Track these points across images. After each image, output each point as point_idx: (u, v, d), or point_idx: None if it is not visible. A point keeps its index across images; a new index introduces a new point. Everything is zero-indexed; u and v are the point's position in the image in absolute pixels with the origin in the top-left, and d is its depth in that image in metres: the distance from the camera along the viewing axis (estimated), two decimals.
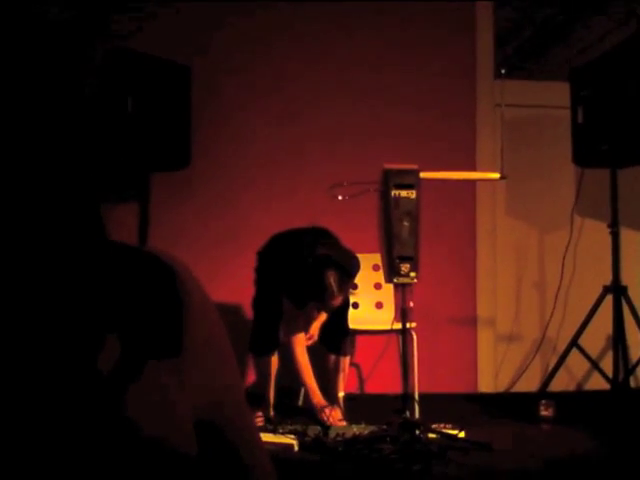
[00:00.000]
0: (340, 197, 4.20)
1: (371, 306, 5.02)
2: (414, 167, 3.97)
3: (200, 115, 5.03)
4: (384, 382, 5.07)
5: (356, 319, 4.71)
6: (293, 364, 4.40)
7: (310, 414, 4.45)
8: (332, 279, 4.00)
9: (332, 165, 5.12)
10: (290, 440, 3.82)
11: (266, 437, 3.84)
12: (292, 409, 4.65)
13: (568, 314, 5.25)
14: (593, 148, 4.83)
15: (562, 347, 4.98)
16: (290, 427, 4.09)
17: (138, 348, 0.78)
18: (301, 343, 4.40)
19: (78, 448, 0.74)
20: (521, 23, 5.76)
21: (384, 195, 3.95)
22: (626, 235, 5.15)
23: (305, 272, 4.06)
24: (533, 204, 5.68)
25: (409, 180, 3.93)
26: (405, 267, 3.93)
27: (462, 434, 3.95)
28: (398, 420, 3.90)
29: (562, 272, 5.09)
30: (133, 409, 0.77)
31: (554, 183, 5.62)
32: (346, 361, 4.53)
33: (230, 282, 5.33)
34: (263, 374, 4.44)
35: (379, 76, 5.50)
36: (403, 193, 3.92)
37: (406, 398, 4.03)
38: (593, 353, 5.08)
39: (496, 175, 4.16)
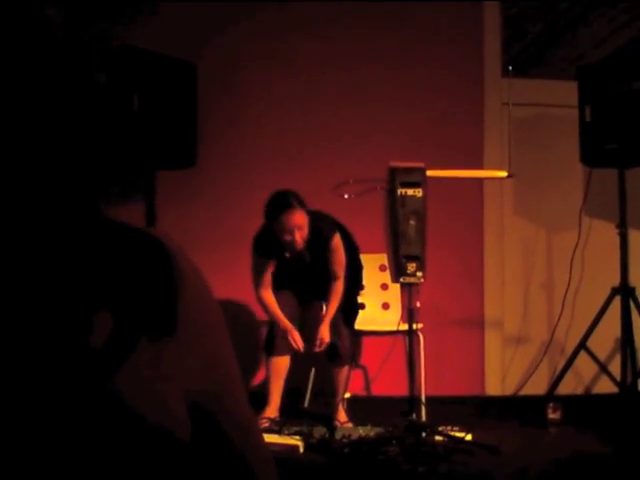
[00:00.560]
0: (346, 195, 4.17)
1: (377, 307, 4.99)
2: (421, 165, 3.94)
3: (207, 113, 5.00)
4: (390, 384, 5.04)
5: (362, 320, 4.68)
6: (263, 306, 4.44)
7: (316, 416, 4.42)
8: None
9: (339, 163, 5.09)
10: (295, 441, 3.80)
11: (271, 438, 3.82)
12: (298, 410, 4.62)
13: (576, 316, 5.21)
14: (601, 147, 4.79)
15: (570, 349, 4.94)
16: (295, 428, 4.06)
17: (131, 326, 0.76)
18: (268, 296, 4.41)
19: (70, 426, 0.73)
20: (529, 21, 5.72)
21: (390, 193, 3.93)
22: (634, 236, 5.11)
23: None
24: (541, 204, 5.64)
25: (416, 178, 3.90)
26: (412, 266, 3.90)
27: (469, 437, 3.91)
28: (404, 422, 3.88)
29: (570, 273, 5.05)
30: (125, 389, 0.75)
31: (562, 183, 5.58)
32: (343, 371, 4.42)
33: (237, 282, 5.30)
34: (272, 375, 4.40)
35: (386, 74, 5.48)
36: (410, 191, 3.89)
37: (412, 400, 4.01)
38: (601, 356, 5.04)
39: (503, 173, 4.13)
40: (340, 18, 5.47)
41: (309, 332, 4.36)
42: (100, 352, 0.74)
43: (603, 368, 4.95)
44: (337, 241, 4.29)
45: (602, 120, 4.77)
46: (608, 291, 4.79)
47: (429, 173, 3.92)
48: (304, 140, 5.30)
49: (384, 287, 4.96)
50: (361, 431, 4.01)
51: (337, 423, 4.26)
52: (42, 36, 0.79)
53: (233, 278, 5.31)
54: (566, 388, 5.02)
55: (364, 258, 4.79)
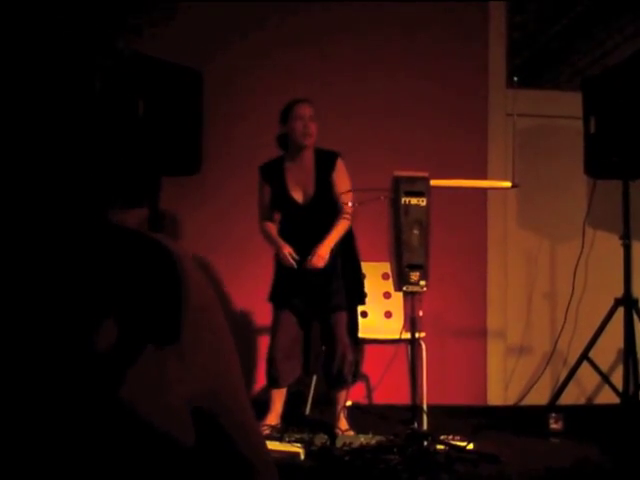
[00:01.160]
0: (350, 204, 4.18)
1: (380, 315, 5.00)
2: (425, 174, 3.95)
3: (212, 120, 5.02)
4: (392, 392, 5.04)
5: (365, 328, 4.68)
6: (263, 234, 4.49)
7: (317, 424, 4.42)
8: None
9: None
10: (296, 449, 3.80)
11: (272, 445, 3.81)
12: (299, 417, 4.62)
13: (579, 327, 5.21)
14: (605, 159, 4.80)
15: (573, 360, 4.95)
16: (297, 436, 4.06)
17: (136, 333, 0.77)
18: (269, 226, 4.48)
19: (76, 431, 0.74)
20: (534, 32, 5.74)
21: (394, 202, 3.93)
22: (638, 247, 5.11)
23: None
24: (544, 215, 5.65)
25: (419, 187, 3.91)
26: (415, 275, 3.90)
27: (470, 446, 3.91)
28: (406, 431, 3.87)
29: (573, 284, 5.05)
30: (130, 394, 0.76)
31: (566, 194, 5.59)
32: (341, 395, 4.40)
33: (243, 288, 5.32)
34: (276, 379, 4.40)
35: (390, 84, 5.50)
36: (413, 200, 3.89)
37: (414, 409, 4.00)
38: (604, 366, 5.04)
39: (507, 183, 4.13)
40: (342, 28, 5.50)
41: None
42: (106, 358, 0.75)
43: (605, 379, 4.94)
44: (341, 163, 4.39)
45: (606, 132, 4.78)
46: (611, 302, 4.80)
47: (433, 183, 3.92)
48: None
49: (387, 295, 4.97)
50: (362, 439, 4.01)
51: (338, 431, 4.26)
52: (48, 41, 0.80)
53: (238, 283, 5.32)
54: (568, 398, 5.02)
55: (367, 266, 4.80)
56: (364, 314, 4.91)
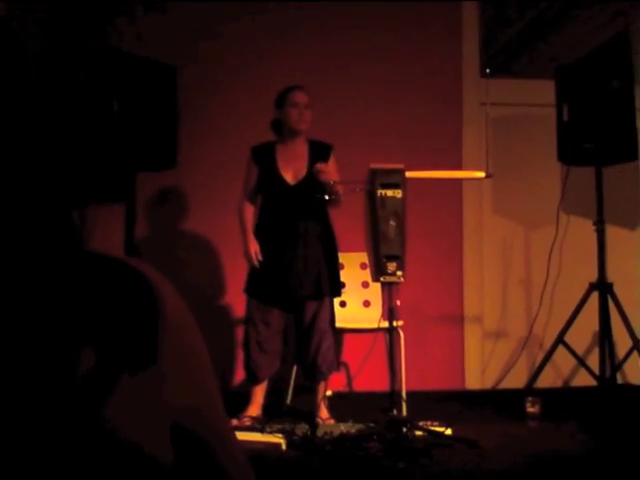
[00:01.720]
0: (327, 197, 4.21)
1: (359, 304, 5.04)
2: (400, 166, 3.98)
3: (187, 115, 5.03)
4: (372, 380, 5.09)
5: (343, 317, 4.72)
6: (239, 216, 4.47)
7: (298, 413, 4.46)
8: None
9: None
10: (278, 439, 3.83)
11: (254, 436, 3.85)
12: (280, 408, 4.66)
13: (554, 311, 5.28)
14: (578, 146, 4.86)
15: (548, 344, 5.02)
16: (278, 426, 4.10)
17: (113, 360, 0.79)
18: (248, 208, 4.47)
19: (57, 451, 0.76)
20: (506, 21, 5.77)
21: (370, 195, 3.96)
22: (611, 232, 5.19)
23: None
24: (519, 202, 5.71)
25: (395, 179, 3.94)
26: (392, 266, 3.94)
27: (449, 431, 3.97)
28: (385, 418, 3.92)
29: (548, 269, 5.12)
30: (110, 415, 0.78)
31: (540, 181, 5.65)
32: (321, 385, 4.43)
33: (217, 280, 5.34)
34: (255, 373, 4.43)
35: (364, 75, 5.52)
36: (389, 192, 3.93)
37: (393, 396, 4.04)
38: (579, 350, 5.12)
39: (481, 174, 4.17)
40: (318, 20, 5.51)
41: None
42: (84, 385, 0.76)
43: (581, 362, 5.02)
44: (333, 156, 4.43)
45: (579, 119, 4.84)
46: (585, 286, 4.87)
47: (408, 174, 3.96)
48: None
49: (365, 285, 5.01)
50: (343, 428, 4.05)
51: (319, 420, 4.31)
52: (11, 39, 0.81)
53: (213, 276, 5.35)
54: (545, 381, 5.11)
55: (345, 256, 4.84)
56: (343, 304, 4.95)
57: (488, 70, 4.53)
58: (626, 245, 5.62)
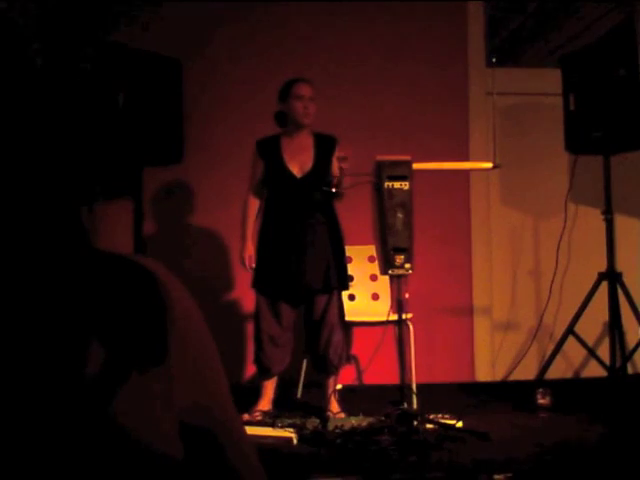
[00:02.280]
0: (333, 190, 4.19)
1: (367, 298, 5.03)
2: (407, 158, 3.97)
3: (193, 110, 5.02)
4: (382, 373, 5.08)
5: (352, 311, 4.71)
6: (243, 209, 4.47)
7: (309, 407, 4.46)
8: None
9: None
10: (289, 434, 3.83)
11: (265, 431, 3.85)
12: (291, 402, 4.66)
13: (564, 301, 5.26)
14: (585, 135, 4.83)
15: (558, 334, 4.99)
16: (289, 420, 4.09)
17: (122, 358, 0.78)
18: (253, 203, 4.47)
19: (66, 448, 0.75)
20: (512, 10, 5.74)
21: (377, 187, 3.95)
22: (620, 221, 5.16)
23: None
24: (527, 192, 5.69)
25: (402, 171, 3.93)
26: (400, 258, 3.93)
27: (460, 424, 3.96)
28: (396, 411, 3.91)
29: (557, 259, 5.09)
30: (119, 413, 0.77)
31: (547, 170, 5.63)
32: (331, 379, 4.43)
33: (226, 276, 5.34)
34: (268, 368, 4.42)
35: (370, 67, 5.50)
36: (396, 184, 3.92)
37: (403, 389, 4.04)
38: (589, 340, 5.09)
39: (488, 164, 4.15)
40: (322, 12, 5.49)
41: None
42: (93, 383, 0.76)
43: (591, 352, 5.00)
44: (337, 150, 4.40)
45: (586, 108, 4.80)
46: (595, 276, 4.84)
47: (415, 166, 3.94)
48: None
49: (373, 278, 5.00)
50: (353, 421, 4.04)
51: (330, 414, 4.30)
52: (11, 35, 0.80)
53: (221, 271, 5.34)
54: (555, 372, 5.08)
55: (353, 249, 4.83)
56: (351, 297, 4.94)
57: (494, 59, 4.50)
58: (635, 234, 5.59)
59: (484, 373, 5.54)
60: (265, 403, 4.40)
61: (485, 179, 5.55)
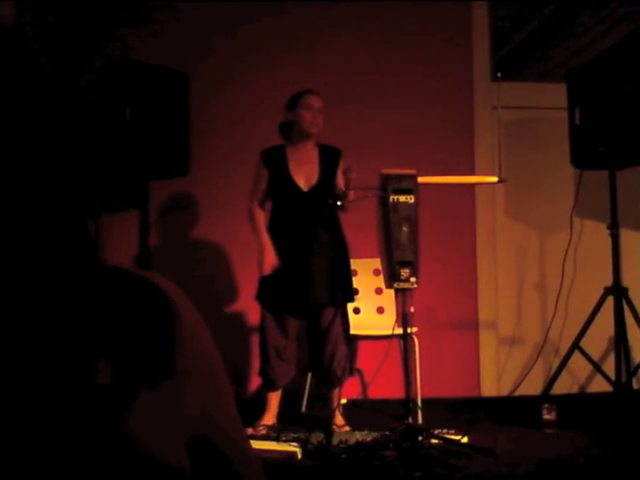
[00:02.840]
0: (339, 202, 4.19)
1: (372, 311, 5.02)
2: (412, 172, 3.96)
3: (199, 122, 5.03)
4: (387, 387, 5.06)
5: (357, 324, 4.70)
6: (250, 219, 4.44)
7: (313, 421, 4.44)
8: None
9: None
10: (293, 448, 3.81)
11: (269, 445, 3.84)
12: (295, 416, 4.64)
13: (569, 316, 5.24)
14: (591, 149, 4.82)
15: (564, 349, 4.97)
16: (293, 435, 4.08)
17: (131, 374, 0.78)
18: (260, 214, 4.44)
19: (75, 464, 0.75)
20: (517, 25, 5.76)
21: (383, 200, 3.95)
22: (626, 236, 5.15)
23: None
24: (532, 206, 5.68)
25: (407, 185, 3.92)
26: (405, 272, 3.92)
27: (465, 439, 3.94)
28: (401, 426, 3.89)
29: (562, 274, 5.08)
30: (131, 428, 0.77)
31: (553, 185, 5.62)
32: (335, 392, 4.44)
33: (231, 288, 5.33)
34: (273, 381, 4.41)
35: (375, 81, 5.51)
36: (402, 198, 3.91)
37: (408, 403, 4.02)
38: (595, 355, 5.08)
39: (494, 178, 4.15)
40: (329, 24, 5.50)
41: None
42: (104, 399, 0.76)
43: (597, 367, 4.98)
44: (342, 163, 4.42)
45: (592, 122, 4.80)
46: (600, 291, 4.83)
47: (420, 180, 3.94)
48: None
49: (378, 291, 4.99)
50: (358, 436, 4.03)
51: (335, 428, 4.29)
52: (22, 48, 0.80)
53: (226, 283, 5.33)
54: (561, 388, 5.06)
55: (358, 263, 4.82)
56: (356, 310, 4.93)
57: (499, 74, 4.50)
58: None
59: (490, 388, 5.52)
60: (269, 417, 4.39)
61: (491, 193, 5.55)
